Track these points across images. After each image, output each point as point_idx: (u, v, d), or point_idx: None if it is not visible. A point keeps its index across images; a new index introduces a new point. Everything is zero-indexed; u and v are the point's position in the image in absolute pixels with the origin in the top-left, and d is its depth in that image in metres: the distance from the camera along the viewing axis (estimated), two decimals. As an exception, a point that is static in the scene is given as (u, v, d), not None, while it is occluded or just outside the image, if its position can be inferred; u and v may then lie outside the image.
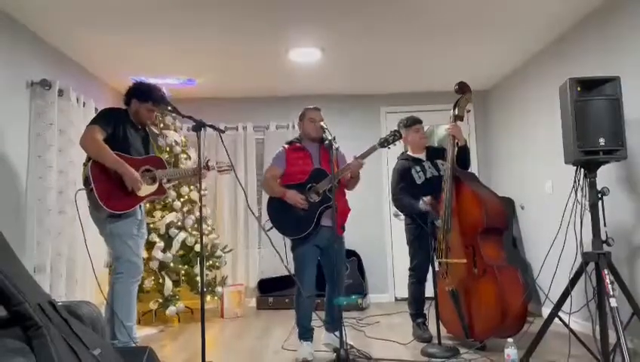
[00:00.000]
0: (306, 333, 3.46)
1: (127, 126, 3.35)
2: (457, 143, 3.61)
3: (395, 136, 3.37)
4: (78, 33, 3.91)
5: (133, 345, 3.10)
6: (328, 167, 3.32)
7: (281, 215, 3.43)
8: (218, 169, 3.60)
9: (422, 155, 3.95)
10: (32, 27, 3.77)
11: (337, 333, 3.31)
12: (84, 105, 4.31)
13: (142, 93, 3.37)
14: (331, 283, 3.50)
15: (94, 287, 4.20)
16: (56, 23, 3.71)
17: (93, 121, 3.23)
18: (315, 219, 3.34)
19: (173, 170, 3.57)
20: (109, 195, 3.11)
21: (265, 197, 5.67)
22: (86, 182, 3.12)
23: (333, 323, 3.49)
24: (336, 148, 3.37)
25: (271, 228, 3.42)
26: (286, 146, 3.60)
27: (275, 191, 3.47)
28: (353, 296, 3.60)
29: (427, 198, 3.65)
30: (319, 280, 3.55)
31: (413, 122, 3.96)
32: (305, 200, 3.37)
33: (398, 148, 3.75)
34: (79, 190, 3.21)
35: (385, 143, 3.37)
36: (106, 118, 3.25)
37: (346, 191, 3.61)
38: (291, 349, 3.55)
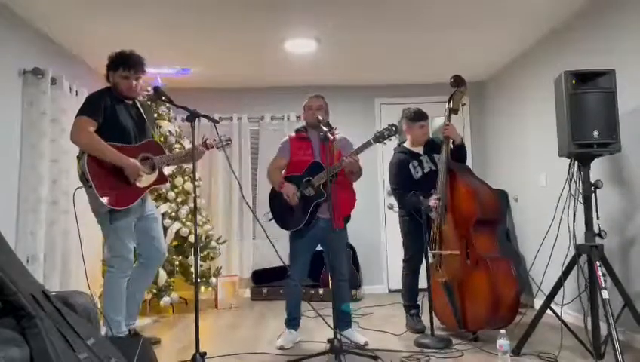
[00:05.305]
0: (291, 321, 3.53)
1: (115, 104, 3.17)
2: (453, 142, 3.60)
3: (391, 131, 3.22)
4: (71, 21, 3.87)
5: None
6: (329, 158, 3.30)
7: (279, 207, 3.47)
8: (217, 146, 3.44)
9: (420, 149, 3.91)
10: (24, 15, 3.72)
11: (348, 331, 3.40)
12: (77, 94, 4.27)
13: (112, 62, 3.21)
14: (333, 278, 3.48)
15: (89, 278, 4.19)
16: (48, 10, 3.66)
17: (81, 112, 3.05)
18: (308, 214, 3.36)
19: (170, 154, 3.46)
20: (110, 190, 2.98)
21: (259, 189, 5.75)
22: (82, 177, 2.98)
23: (340, 324, 3.37)
24: (344, 138, 3.49)
25: (271, 219, 3.48)
26: (292, 135, 3.61)
27: (275, 182, 3.50)
28: (349, 305, 3.59)
29: (432, 201, 3.50)
30: (317, 271, 3.55)
31: (419, 117, 3.87)
32: (297, 194, 3.36)
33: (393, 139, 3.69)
34: (78, 188, 3.03)
35: (380, 138, 3.23)
36: (92, 105, 3.08)
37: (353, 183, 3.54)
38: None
